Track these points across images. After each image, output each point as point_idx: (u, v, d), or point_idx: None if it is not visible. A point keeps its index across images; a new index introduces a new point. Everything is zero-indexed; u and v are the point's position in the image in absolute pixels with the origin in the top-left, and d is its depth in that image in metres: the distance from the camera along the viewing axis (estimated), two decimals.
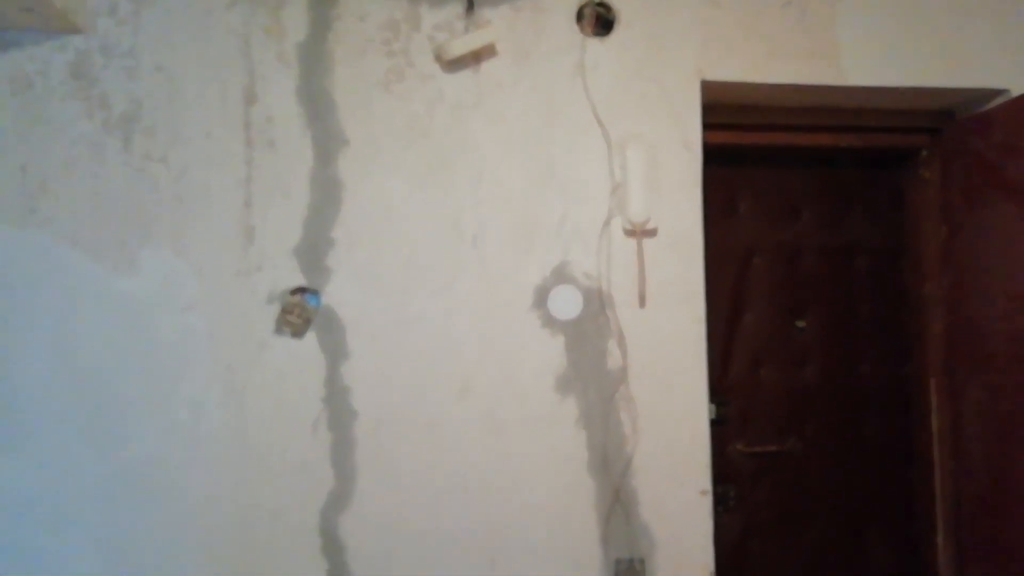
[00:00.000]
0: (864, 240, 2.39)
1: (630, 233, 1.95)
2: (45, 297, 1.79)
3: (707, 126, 2.02)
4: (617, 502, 1.91)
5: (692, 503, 1.93)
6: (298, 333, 1.86)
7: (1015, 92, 2.08)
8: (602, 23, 1.98)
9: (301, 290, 1.87)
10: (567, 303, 1.93)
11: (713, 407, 2.07)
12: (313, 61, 1.89)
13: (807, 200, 2.39)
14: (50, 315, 1.79)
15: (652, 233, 1.96)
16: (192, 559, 1.79)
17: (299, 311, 1.86)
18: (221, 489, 1.81)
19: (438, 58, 1.91)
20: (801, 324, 2.34)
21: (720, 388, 2.25)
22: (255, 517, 1.81)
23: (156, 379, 1.81)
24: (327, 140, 1.89)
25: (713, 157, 2.04)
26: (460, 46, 1.87)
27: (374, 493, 1.85)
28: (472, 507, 1.87)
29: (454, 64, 1.91)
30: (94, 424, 1.78)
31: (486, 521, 1.87)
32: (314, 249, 1.87)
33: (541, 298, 1.93)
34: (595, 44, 1.98)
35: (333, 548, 1.83)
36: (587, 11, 1.97)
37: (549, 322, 1.93)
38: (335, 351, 1.87)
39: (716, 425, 2.13)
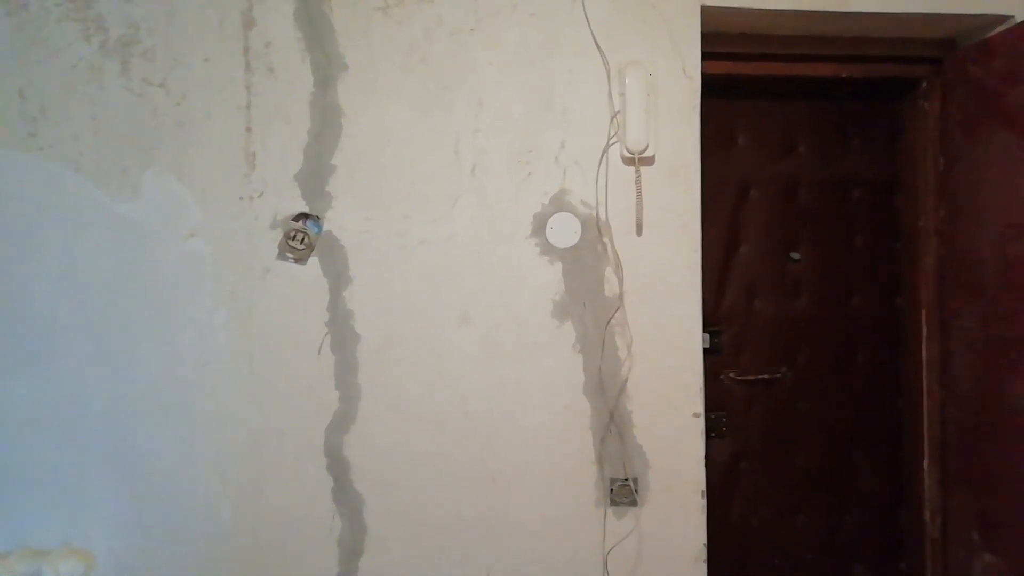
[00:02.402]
0: (861, 173, 2.40)
1: (628, 161, 1.96)
2: (51, 222, 1.82)
3: (706, 56, 2.01)
4: (612, 424, 1.97)
5: (685, 425, 1.99)
6: (301, 259, 1.89)
7: (1020, 19, 2.06)
8: None
9: (303, 216, 1.89)
10: (565, 231, 1.96)
11: (707, 336, 2.11)
12: None
13: (804, 133, 2.39)
14: (56, 240, 1.82)
15: (650, 161, 1.97)
16: (201, 477, 1.86)
17: (302, 237, 1.88)
18: (229, 410, 1.87)
19: None
20: (796, 256, 2.36)
21: (714, 318, 2.29)
22: (263, 437, 1.87)
23: (163, 303, 1.85)
24: (326, 65, 1.89)
25: (712, 88, 2.03)
26: None
27: (377, 414, 1.90)
28: (472, 428, 1.93)
29: None
30: (104, 346, 1.83)
31: (485, 442, 1.94)
32: (315, 175, 1.89)
33: (540, 226, 1.95)
34: None
35: (338, 466, 1.89)
36: None
37: (547, 249, 1.96)
38: (337, 276, 1.90)
39: (709, 354, 2.18)
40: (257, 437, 1.87)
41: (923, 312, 2.32)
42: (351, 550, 1.88)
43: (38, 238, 1.81)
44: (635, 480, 1.97)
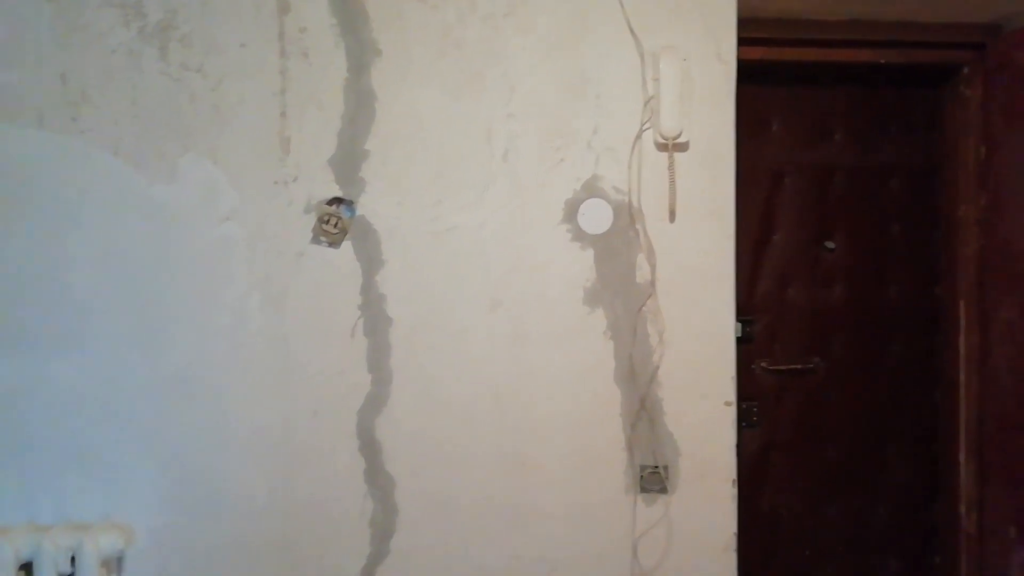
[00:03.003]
0: (898, 161, 2.36)
1: (662, 147, 1.94)
2: (90, 205, 1.85)
3: (741, 41, 1.98)
4: (643, 411, 1.96)
5: (716, 413, 1.98)
6: (335, 243, 1.91)
7: None
8: None
9: (337, 200, 1.90)
10: (597, 217, 1.95)
11: (739, 325, 2.09)
12: None
13: (841, 120, 2.35)
14: (96, 222, 1.85)
15: (684, 147, 1.95)
16: (236, 457, 1.89)
17: (336, 221, 1.90)
18: (263, 391, 1.89)
19: None
20: (830, 245, 2.33)
21: (746, 307, 2.27)
22: (296, 418, 1.90)
23: (198, 286, 1.88)
24: (360, 51, 1.89)
25: (746, 75, 2.00)
26: None
27: (408, 397, 1.92)
28: (501, 413, 1.94)
29: None
30: (141, 328, 1.86)
31: (514, 427, 1.94)
32: (348, 160, 1.90)
33: (571, 212, 1.95)
34: None
35: (370, 449, 1.91)
36: None
37: (579, 236, 1.95)
38: (370, 260, 1.91)
39: (741, 343, 2.16)
40: (290, 419, 1.90)
41: (962, 303, 2.28)
42: (383, 531, 1.90)
43: (78, 220, 1.85)
44: (665, 468, 1.96)
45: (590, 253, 1.95)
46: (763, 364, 2.31)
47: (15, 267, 1.84)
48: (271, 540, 1.88)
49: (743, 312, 2.23)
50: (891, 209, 2.35)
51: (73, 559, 1.75)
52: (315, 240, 1.90)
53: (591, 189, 1.95)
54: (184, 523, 1.87)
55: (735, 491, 1.97)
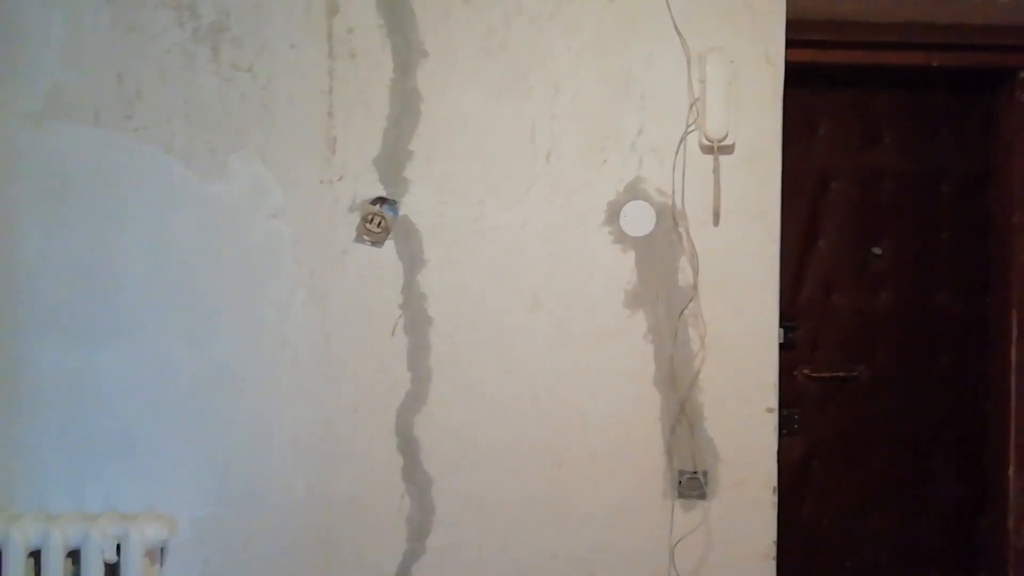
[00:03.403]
0: (949, 166, 2.30)
1: (707, 149, 1.93)
2: (143, 200, 1.90)
3: (789, 43, 1.96)
4: (682, 415, 1.94)
5: (757, 420, 1.95)
6: (378, 242, 1.92)
7: None
8: None
9: (380, 200, 1.92)
10: (640, 219, 1.94)
11: (781, 331, 2.06)
12: None
13: (890, 124, 2.30)
14: (147, 218, 1.90)
15: (729, 150, 1.93)
16: (278, 451, 1.91)
17: (379, 220, 1.91)
18: (305, 387, 1.92)
19: None
20: (877, 251, 2.29)
21: (789, 313, 2.23)
22: (336, 414, 1.92)
23: (245, 281, 1.91)
24: (406, 51, 1.91)
25: (793, 77, 1.98)
26: None
27: (447, 396, 1.93)
28: (540, 414, 1.94)
29: None
30: (188, 321, 1.90)
31: (553, 428, 1.94)
32: (393, 160, 1.92)
33: (614, 214, 1.94)
34: None
35: (408, 446, 1.92)
36: None
37: (621, 238, 1.94)
38: (412, 260, 1.93)
39: (783, 349, 2.12)
40: (331, 414, 1.92)
41: (1014, 312, 2.21)
42: (419, 529, 1.91)
43: (131, 215, 1.89)
44: (704, 473, 1.94)
45: (632, 255, 1.94)
46: (805, 371, 2.27)
47: (69, 260, 1.89)
48: (309, 535, 1.90)
49: (786, 318, 2.19)
50: (941, 215, 2.30)
51: (119, 548, 1.79)
52: (359, 239, 1.92)
53: (634, 191, 1.94)
54: (225, 516, 1.90)
55: (775, 499, 1.95)
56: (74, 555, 1.80)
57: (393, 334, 1.93)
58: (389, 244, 1.93)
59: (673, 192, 1.93)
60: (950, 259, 2.30)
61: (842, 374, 2.27)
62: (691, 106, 1.93)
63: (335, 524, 1.91)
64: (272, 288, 1.92)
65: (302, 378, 1.92)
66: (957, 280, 2.30)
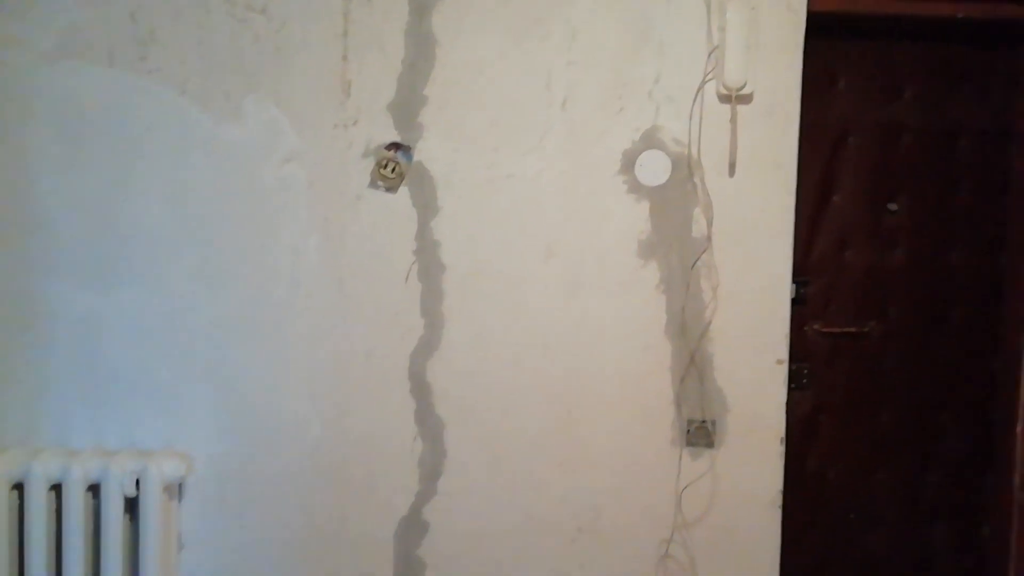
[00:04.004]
0: (970, 122, 2.26)
1: (724, 98, 1.91)
2: (157, 142, 1.90)
3: None
4: (692, 365, 1.96)
5: (767, 371, 1.96)
6: (392, 188, 1.92)
7: None
8: None
9: (395, 146, 1.92)
10: (655, 168, 1.93)
11: (793, 286, 2.06)
12: None
13: (911, 78, 2.26)
14: (162, 160, 1.90)
15: (747, 100, 1.91)
16: (293, 391, 1.94)
17: (393, 166, 1.91)
18: (320, 331, 1.94)
19: None
20: (893, 207, 2.27)
21: (802, 268, 2.22)
22: (351, 358, 1.94)
23: (260, 226, 1.92)
24: None
25: (813, 28, 1.94)
26: None
27: (460, 343, 1.95)
28: (551, 362, 1.96)
29: None
30: (205, 264, 1.92)
31: (564, 376, 1.96)
32: (408, 105, 1.91)
33: (629, 162, 1.93)
34: None
35: (421, 391, 1.95)
36: None
37: (635, 187, 1.94)
38: (426, 206, 1.93)
39: (795, 304, 2.12)
40: (345, 358, 1.94)
41: None
42: (431, 471, 1.95)
43: (146, 157, 1.90)
44: (713, 422, 1.96)
45: (646, 205, 1.93)
46: (816, 326, 2.27)
47: (85, 202, 1.90)
48: (324, 474, 1.94)
49: (798, 273, 2.18)
50: (959, 172, 2.27)
51: (138, 483, 1.83)
52: (373, 184, 1.93)
53: (650, 140, 1.92)
54: (241, 453, 1.94)
55: (783, 449, 1.97)
56: (94, 489, 1.84)
57: (407, 280, 1.94)
58: (403, 190, 1.93)
59: (689, 142, 1.92)
60: (966, 217, 2.28)
61: (853, 330, 2.27)
62: (710, 54, 1.90)
63: (349, 464, 1.94)
64: (286, 232, 1.92)
65: (316, 322, 1.94)
66: (972, 238, 2.28)
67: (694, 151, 1.92)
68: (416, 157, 1.92)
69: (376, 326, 1.94)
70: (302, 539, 1.94)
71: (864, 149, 2.26)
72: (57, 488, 1.83)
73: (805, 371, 2.27)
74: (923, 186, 2.28)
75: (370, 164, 1.91)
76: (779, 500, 1.97)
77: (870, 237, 2.28)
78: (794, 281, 2.04)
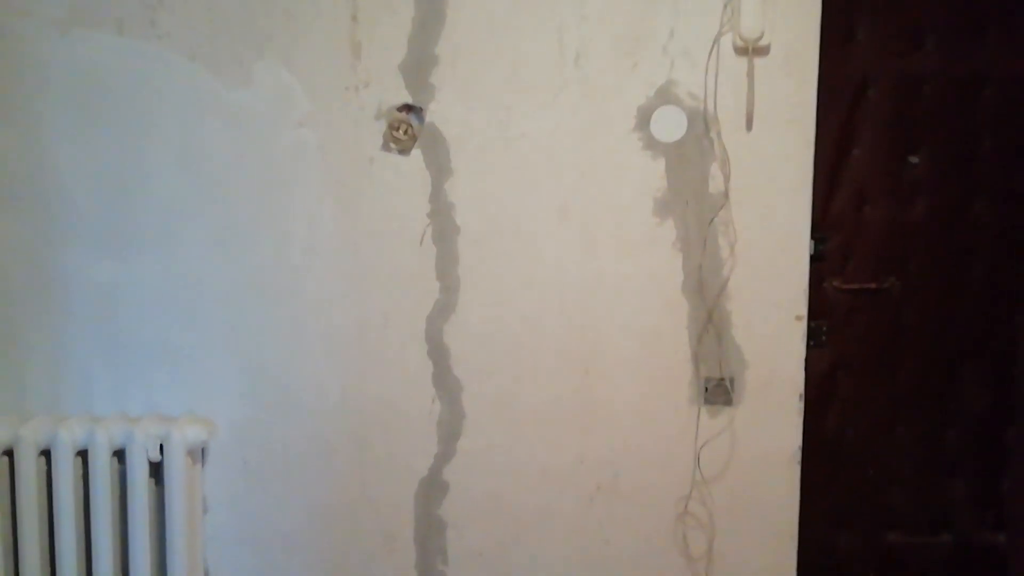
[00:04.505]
0: (995, 70, 2.20)
1: (741, 51, 1.87)
2: (169, 109, 1.89)
3: None
4: (710, 323, 1.95)
5: (786, 327, 1.95)
6: (405, 150, 1.91)
7: None
8: None
9: (407, 107, 1.90)
10: (670, 124, 1.90)
11: (811, 243, 2.03)
12: None
13: (933, 27, 2.20)
14: (175, 127, 1.90)
15: (764, 52, 1.87)
16: (311, 356, 1.95)
17: (406, 128, 1.90)
18: (336, 295, 1.94)
19: None
20: (914, 160, 2.23)
21: (821, 224, 2.19)
22: (367, 322, 1.95)
23: (274, 191, 1.92)
24: None
25: None
26: None
27: (476, 305, 1.94)
28: (567, 322, 1.95)
29: None
30: (221, 230, 1.92)
31: (580, 335, 1.96)
32: (419, 65, 1.89)
33: (644, 119, 1.90)
34: None
35: (438, 353, 1.95)
36: None
37: (651, 144, 1.91)
38: (439, 168, 1.92)
39: (813, 261, 2.09)
40: (362, 322, 1.95)
41: None
42: (450, 432, 1.96)
43: (159, 124, 1.89)
44: (731, 380, 1.95)
45: (662, 162, 1.91)
46: (835, 283, 2.24)
47: (99, 171, 1.90)
48: (344, 437, 1.96)
49: (816, 229, 2.15)
50: (983, 122, 2.22)
51: (161, 448, 1.86)
52: (385, 147, 1.91)
53: (665, 95, 1.89)
54: (262, 418, 1.96)
55: (801, 405, 1.96)
56: (119, 455, 1.88)
57: (421, 243, 1.93)
58: (416, 152, 1.91)
59: (705, 96, 1.89)
60: (990, 168, 2.23)
61: (873, 286, 2.25)
62: (725, 5, 1.86)
63: (369, 427, 1.96)
64: (300, 197, 1.92)
65: (332, 286, 1.94)
66: (997, 191, 2.24)
67: (710, 106, 1.89)
68: (428, 118, 1.90)
69: (392, 290, 1.94)
70: (324, 501, 1.97)
71: (884, 101, 2.21)
72: (82, 455, 1.86)
73: (823, 328, 2.25)
74: (945, 138, 2.23)
75: (382, 127, 1.90)
76: (798, 456, 1.97)
77: (890, 191, 2.24)
78: (812, 237, 2.02)
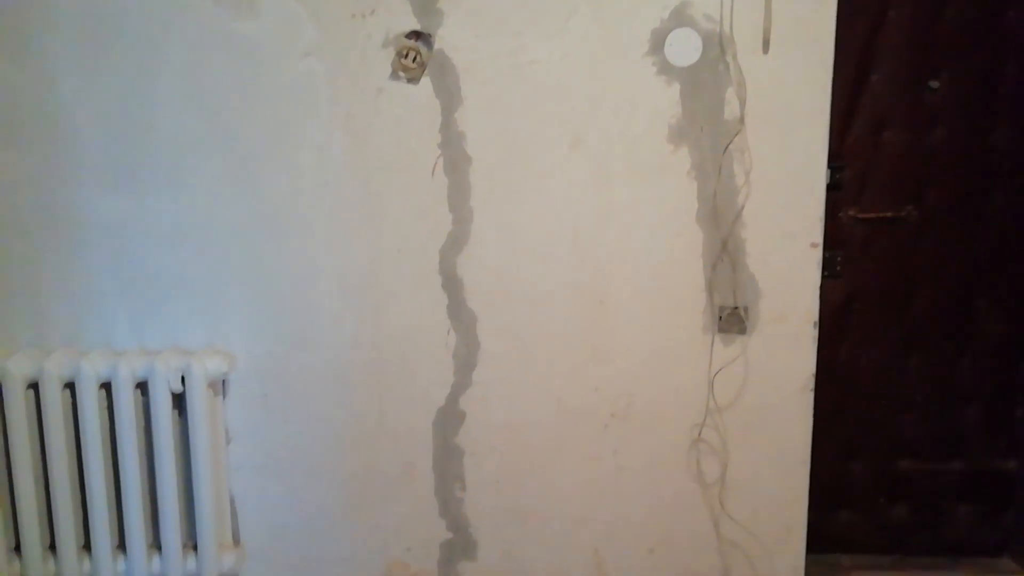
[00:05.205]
0: None
1: None
2: (175, 42, 1.87)
3: None
4: (724, 252, 1.93)
5: (801, 255, 1.93)
6: (414, 79, 1.88)
7: None
8: None
9: (415, 34, 1.86)
10: (685, 48, 1.86)
11: (828, 171, 2.00)
12: None
13: None
14: (180, 60, 1.87)
15: None
16: (325, 291, 1.96)
17: (415, 55, 1.86)
18: (348, 228, 1.94)
19: None
20: (934, 84, 2.17)
21: (838, 152, 2.16)
22: (381, 255, 1.95)
23: (282, 123, 1.90)
24: None
25: None
26: None
27: (489, 236, 1.94)
28: (581, 253, 1.95)
29: None
30: (232, 165, 1.91)
31: (594, 266, 1.95)
32: None
33: (658, 43, 1.86)
34: None
35: (452, 285, 1.96)
36: None
37: (665, 68, 1.87)
38: (449, 97, 1.89)
39: (829, 190, 2.06)
40: (376, 255, 1.95)
41: None
42: (465, 363, 1.98)
43: (164, 57, 1.87)
44: (745, 308, 1.95)
45: (676, 87, 1.87)
46: (851, 212, 2.22)
47: (107, 107, 1.89)
48: (361, 369, 1.99)
49: (833, 158, 2.12)
50: (1006, 45, 2.15)
51: (183, 380, 1.89)
52: (394, 76, 1.88)
53: (680, 17, 1.84)
54: (280, 351, 1.98)
55: (816, 333, 1.96)
56: (142, 387, 1.91)
57: (433, 175, 1.92)
58: (425, 81, 1.88)
59: (721, 17, 1.84)
60: (1013, 92, 2.18)
61: (889, 215, 2.22)
62: None
63: (386, 359, 1.98)
64: (309, 130, 1.90)
65: (344, 220, 1.94)
66: (1018, 116, 2.19)
67: (726, 27, 1.84)
68: (437, 45, 1.86)
69: (404, 222, 1.93)
70: (344, 431, 2.01)
71: (904, 23, 2.15)
72: (107, 387, 1.90)
73: (838, 259, 2.24)
74: (967, 62, 2.17)
75: (390, 55, 1.87)
76: (811, 384, 1.98)
77: (909, 117, 2.19)
78: (829, 166, 1.98)
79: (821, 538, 2.26)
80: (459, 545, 2.06)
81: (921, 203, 2.23)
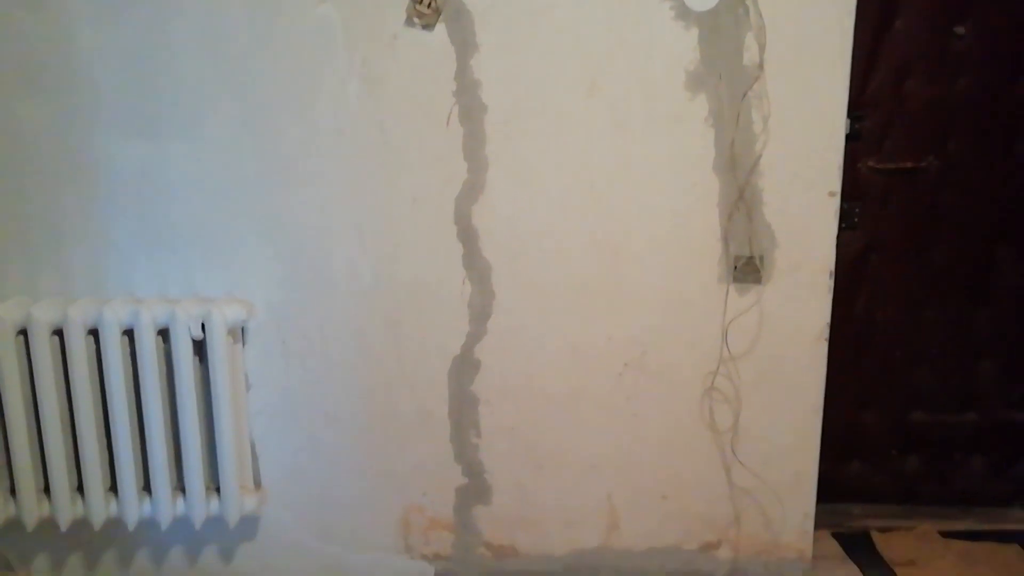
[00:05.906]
0: None
1: None
2: None
3: None
4: (741, 200, 1.93)
5: (818, 204, 1.92)
6: (429, 25, 1.86)
7: None
8: None
9: None
10: None
11: (848, 121, 1.98)
12: None
13: None
14: (196, 6, 1.86)
15: None
16: (341, 240, 1.97)
17: (429, 1, 1.84)
18: (364, 177, 1.94)
19: None
20: (960, 31, 2.13)
21: (858, 102, 2.13)
22: (396, 204, 1.95)
23: (298, 71, 1.89)
24: None
25: None
26: None
27: (504, 186, 1.94)
28: (596, 202, 1.94)
29: None
30: (249, 114, 1.91)
31: (609, 216, 1.95)
32: None
33: None
34: None
35: (467, 234, 1.97)
36: None
37: (683, 13, 1.84)
38: (464, 43, 1.87)
39: (848, 140, 2.04)
40: (391, 204, 1.95)
41: None
42: (480, 312, 2.00)
43: (180, 4, 1.86)
44: (761, 258, 1.95)
45: (694, 32, 1.85)
46: (870, 163, 2.20)
47: (125, 56, 1.88)
48: (378, 318, 2.01)
49: (853, 108, 2.09)
50: None
51: (203, 327, 1.92)
52: (408, 22, 1.87)
53: None
54: (298, 300, 2.00)
55: (831, 282, 1.96)
56: (163, 334, 1.94)
57: (448, 124, 1.91)
58: (440, 27, 1.86)
59: None
60: None
61: (909, 165, 2.20)
62: None
63: (401, 308, 2.00)
64: (325, 78, 1.89)
65: (360, 169, 1.94)
66: None
67: None
68: None
69: (420, 172, 1.93)
70: (362, 379, 2.04)
71: None
72: (129, 334, 1.93)
73: (856, 210, 2.22)
74: (993, 6, 2.12)
75: (405, 1, 1.85)
76: (826, 333, 1.98)
77: (933, 65, 2.15)
78: (848, 116, 1.96)
79: (833, 488, 2.29)
80: (474, 490, 2.10)
81: (942, 154, 2.20)
